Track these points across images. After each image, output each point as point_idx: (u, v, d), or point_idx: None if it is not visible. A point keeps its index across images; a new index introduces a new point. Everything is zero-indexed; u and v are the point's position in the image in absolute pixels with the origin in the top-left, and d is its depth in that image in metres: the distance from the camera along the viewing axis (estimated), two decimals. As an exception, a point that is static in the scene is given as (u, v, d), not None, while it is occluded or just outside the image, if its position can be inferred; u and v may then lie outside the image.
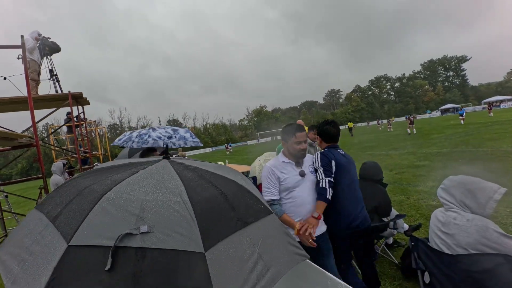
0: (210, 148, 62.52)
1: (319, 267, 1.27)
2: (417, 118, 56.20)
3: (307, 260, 1.28)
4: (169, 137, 3.93)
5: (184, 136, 4.23)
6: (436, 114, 58.26)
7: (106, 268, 0.75)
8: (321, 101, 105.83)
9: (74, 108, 6.31)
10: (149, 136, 3.15)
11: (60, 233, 0.85)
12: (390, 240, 3.24)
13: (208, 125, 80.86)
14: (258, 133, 65.54)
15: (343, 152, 2.33)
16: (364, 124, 64.51)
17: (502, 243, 1.51)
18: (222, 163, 7.21)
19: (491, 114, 19.13)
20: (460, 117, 22.18)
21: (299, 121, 4.87)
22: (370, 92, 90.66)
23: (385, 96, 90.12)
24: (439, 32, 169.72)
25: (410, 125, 19.83)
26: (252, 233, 0.96)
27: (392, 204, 4.69)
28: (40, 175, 4.75)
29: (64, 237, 0.83)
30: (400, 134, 20.96)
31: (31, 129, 4.66)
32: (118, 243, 0.79)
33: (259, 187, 4.99)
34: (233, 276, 0.82)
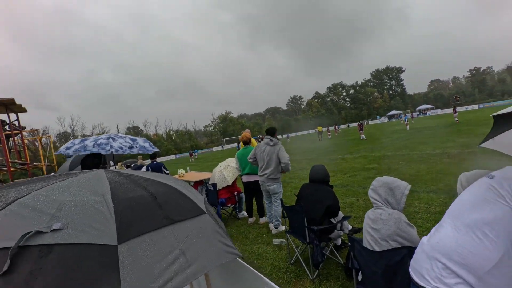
0: (174, 156, 60.57)
1: (255, 271, 1.38)
2: (369, 123, 60.99)
3: (245, 264, 1.41)
4: (130, 147, 3.83)
5: (144, 146, 4.16)
6: (385, 119, 63.67)
7: (3, 271, 0.72)
8: (285, 107, 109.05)
9: (10, 115, 5.77)
10: (111, 147, 3.07)
11: None
12: (339, 242, 3.50)
13: (171, 132, 78.22)
14: (224, 139, 65.17)
15: None
16: (325, 129, 68.12)
17: (408, 231, 1.86)
18: (183, 171, 7.13)
19: (457, 119, 21.52)
20: (404, 122, 24.56)
21: (247, 131, 5.09)
22: (329, 99, 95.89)
23: (342, 102, 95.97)
24: (381, 42, 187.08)
25: (360, 131, 21.10)
26: (178, 230, 1.04)
27: (344, 206, 5.12)
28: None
29: None
30: (356, 139, 22.52)
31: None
32: (22, 243, 0.78)
33: (219, 193, 5.10)
34: (148, 268, 0.88)
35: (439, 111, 54.49)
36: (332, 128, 38.49)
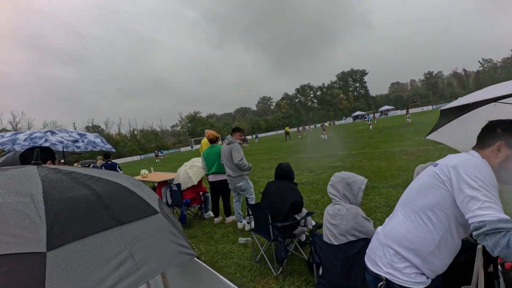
0: (139, 156, 57.91)
1: (212, 270, 1.35)
2: (336, 123, 63.77)
3: (202, 264, 1.36)
4: (75, 141, 3.49)
5: (94, 141, 3.85)
6: (350, 120, 67.11)
7: None
8: (254, 108, 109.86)
9: None
10: (46, 140, 2.75)
11: None
12: (303, 237, 3.57)
13: (136, 132, 74.60)
14: (193, 139, 63.80)
15: None
16: (292, 130, 70.13)
17: (365, 225, 1.94)
18: (146, 171, 6.80)
19: (409, 120, 23.20)
20: (367, 122, 26.15)
21: (207, 132, 5.01)
22: (297, 100, 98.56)
23: (309, 103, 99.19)
24: (346, 45, 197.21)
25: (323, 131, 22.19)
26: (126, 232, 0.95)
27: (309, 203, 5.25)
28: None
29: None
30: (320, 138, 23.36)
31: None
32: None
33: (184, 193, 4.95)
34: (86, 276, 0.79)
35: (398, 112, 58.67)
36: (301, 128, 39.85)
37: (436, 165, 1.22)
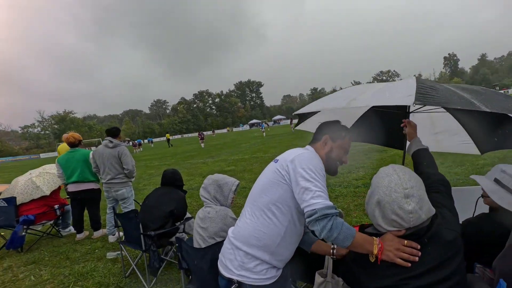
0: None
1: None
2: (234, 130, 66.69)
3: None
4: None
5: None
6: (247, 127, 71.71)
7: None
8: (147, 111, 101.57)
9: None
10: None
11: None
12: (184, 244, 3.36)
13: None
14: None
15: None
16: (191, 135, 68.88)
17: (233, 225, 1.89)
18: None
19: (293, 128, 25.90)
20: (262, 130, 28.44)
21: (65, 135, 4.11)
22: (195, 105, 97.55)
23: (208, 109, 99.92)
24: (243, 56, 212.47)
25: (201, 140, 22.25)
26: None
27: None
28: None
29: None
30: (218, 144, 23.70)
31: None
32: None
33: (22, 208, 3.80)
34: None
35: (289, 121, 66.80)
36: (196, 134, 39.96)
37: (277, 161, 1.27)
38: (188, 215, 3.43)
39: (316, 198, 1.04)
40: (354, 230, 1.02)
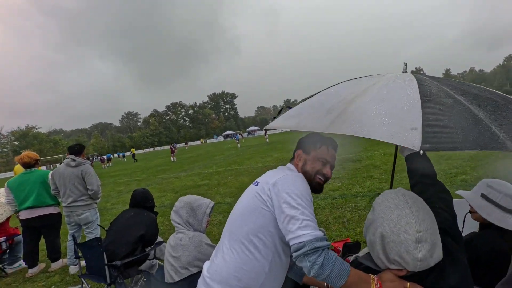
0: None
1: None
2: (208, 142, 65.76)
3: None
4: None
5: None
6: (221, 138, 71.11)
7: None
8: (118, 124, 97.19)
9: None
10: None
11: None
12: (155, 270, 3.07)
13: None
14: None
15: None
16: (163, 148, 66.59)
17: (209, 253, 1.70)
18: None
19: (267, 139, 25.84)
20: (236, 141, 28.24)
21: (18, 157, 3.69)
22: (168, 117, 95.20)
23: (181, 121, 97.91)
24: (217, 68, 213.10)
25: (172, 154, 21.87)
26: None
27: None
28: None
29: None
30: (191, 156, 23.08)
31: None
32: None
33: None
34: None
35: (263, 132, 67.31)
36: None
37: (257, 183, 1.15)
38: (159, 239, 3.18)
39: (304, 229, 0.92)
40: (348, 266, 0.89)
